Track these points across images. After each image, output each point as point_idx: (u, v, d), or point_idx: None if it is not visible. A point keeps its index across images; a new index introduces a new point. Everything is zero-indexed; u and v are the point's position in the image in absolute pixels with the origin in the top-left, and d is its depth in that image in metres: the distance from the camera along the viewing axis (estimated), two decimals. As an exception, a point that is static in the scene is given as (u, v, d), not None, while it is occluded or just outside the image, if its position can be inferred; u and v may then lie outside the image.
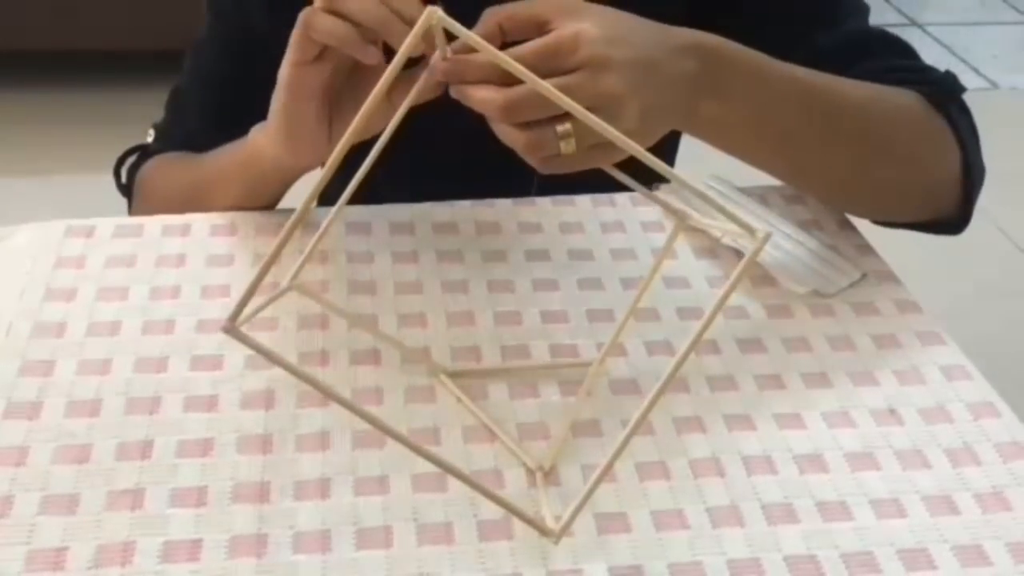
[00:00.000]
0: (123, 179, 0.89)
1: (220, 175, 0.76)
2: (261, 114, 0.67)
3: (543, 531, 0.50)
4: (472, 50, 0.52)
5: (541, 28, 0.58)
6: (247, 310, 0.44)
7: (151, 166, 0.87)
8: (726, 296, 0.47)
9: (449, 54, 0.57)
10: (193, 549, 0.51)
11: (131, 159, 0.89)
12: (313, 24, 0.60)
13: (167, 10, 2.20)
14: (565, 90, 0.49)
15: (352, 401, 0.48)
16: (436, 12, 0.45)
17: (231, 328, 0.44)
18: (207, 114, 0.86)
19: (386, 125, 0.57)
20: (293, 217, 0.45)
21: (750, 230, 0.48)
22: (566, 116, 0.55)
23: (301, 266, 0.64)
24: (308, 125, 0.64)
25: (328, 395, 0.48)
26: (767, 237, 0.48)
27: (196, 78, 0.88)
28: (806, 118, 0.67)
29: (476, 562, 0.51)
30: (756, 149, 0.67)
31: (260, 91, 0.65)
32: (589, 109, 0.48)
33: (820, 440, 0.59)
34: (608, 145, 0.56)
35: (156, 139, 0.89)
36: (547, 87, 0.48)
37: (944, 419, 0.60)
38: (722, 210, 0.49)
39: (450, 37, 0.55)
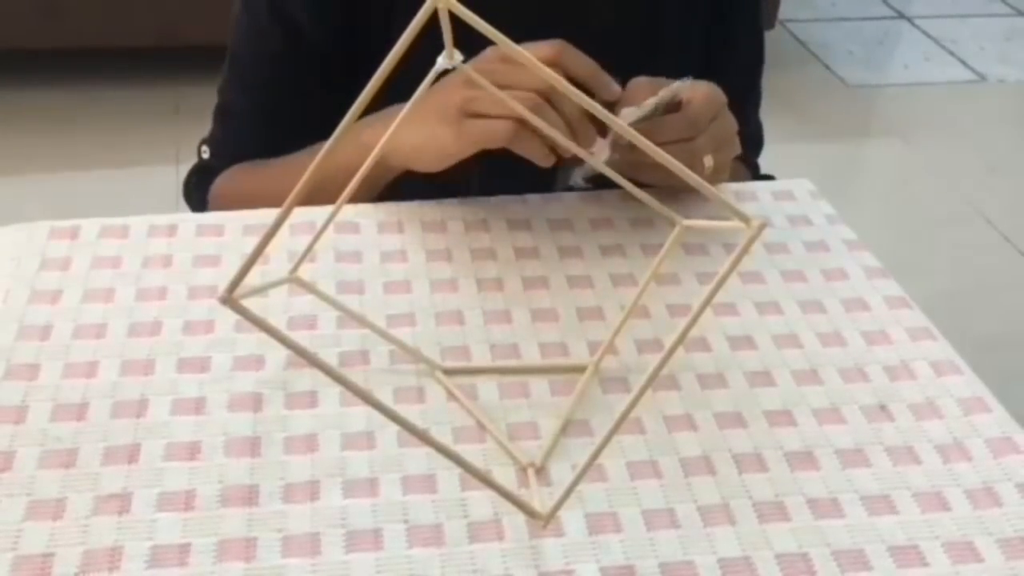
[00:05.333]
0: (194, 200, 0.91)
1: (335, 176, 0.77)
2: (313, 110, 0.72)
3: (532, 514, 0.50)
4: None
5: None
6: (242, 289, 0.43)
7: (228, 179, 0.88)
8: (721, 280, 0.47)
9: (457, 56, 0.54)
10: (181, 554, 0.50)
11: (194, 180, 0.91)
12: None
13: (155, 9, 2.19)
14: None
15: (362, 388, 0.47)
16: None
17: (228, 299, 0.43)
18: (259, 120, 0.87)
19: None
20: (286, 204, 0.44)
21: (746, 220, 0.48)
22: None
23: (302, 259, 0.64)
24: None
25: (340, 381, 0.46)
26: (762, 227, 0.47)
27: (239, 85, 0.88)
28: None
29: (467, 563, 0.51)
30: None
31: (310, 91, 0.67)
32: None
33: (810, 437, 0.58)
34: None
35: (214, 155, 0.90)
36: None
37: (935, 415, 0.60)
38: (722, 202, 0.48)
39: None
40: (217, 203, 0.89)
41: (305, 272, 0.66)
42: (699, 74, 0.73)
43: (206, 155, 0.90)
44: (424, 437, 0.48)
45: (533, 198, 0.78)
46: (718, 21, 0.89)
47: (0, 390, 0.59)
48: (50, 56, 2.29)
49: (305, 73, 0.83)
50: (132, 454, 0.55)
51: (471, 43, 0.52)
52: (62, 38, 2.21)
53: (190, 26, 2.17)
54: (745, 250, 0.47)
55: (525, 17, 0.66)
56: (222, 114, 0.90)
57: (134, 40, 2.24)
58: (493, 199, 0.77)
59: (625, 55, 0.73)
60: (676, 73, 0.72)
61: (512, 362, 0.63)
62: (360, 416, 0.58)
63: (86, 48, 2.25)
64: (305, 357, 0.46)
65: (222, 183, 0.89)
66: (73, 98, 2.25)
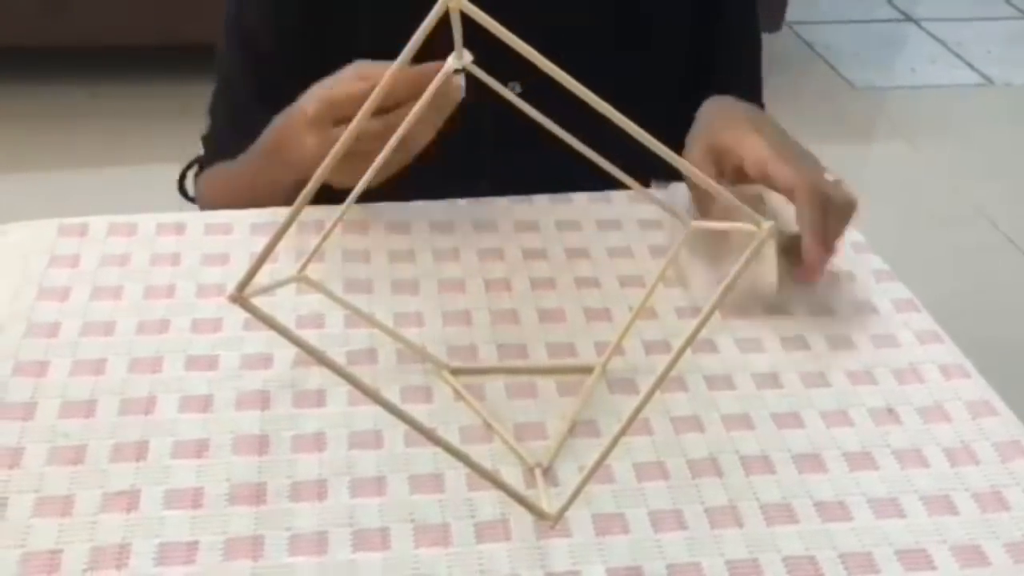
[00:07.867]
0: (190, 193, 0.93)
1: (266, 186, 0.79)
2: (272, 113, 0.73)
3: (540, 514, 0.50)
4: None
5: None
6: (251, 288, 0.43)
7: (204, 179, 0.91)
8: (731, 283, 0.47)
9: (467, 56, 0.54)
10: (189, 551, 0.50)
11: (191, 172, 0.93)
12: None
13: (158, 8, 2.19)
14: None
15: (371, 387, 0.47)
16: None
17: (239, 298, 0.43)
18: (230, 120, 0.89)
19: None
20: (296, 204, 0.44)
21: (756, 223, 0.47)
22: None
23: (310, 258, 0.64)
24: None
25: (350, 380, 0.46)
26: (772, 229, 0.47)
27: (219, 86, 0.90)
28: None
29: (474, 563, 0.51)
30: None
31: (268, 96, 0.67)
32: None
33: (818, 440, 0.58)
34: None
35: (205, 151, 0.92)
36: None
37: (942, 418, 0.60)
38: (732, 204, 0.48)
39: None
40: (200, 198, 0.92)
41: (313, 271, 0.66)
42: (691, 73, 0.71)
43: (201, 151, 0.93)
44: (431, 436, 0.48)
45: (541, 199, 0.78)
46: (709, 20, 0.86)
47: (9, 387, 0.59)
48: (54, 54, 2.29)
49: (263, 77, 0.84)
50: (140, 451, 0.55)
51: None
52: (66, 36, 2.21)
53: (193, 25, 2.17)
54: (755, 252, 0.47)
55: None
56: (209, 112, 0.92)
57: (138, 38, 2.25)
58: (501, 200, 0.77)
59: (600, 55, 0.72)
60: (660, 71, 0.69)
61: (519, 362, 0.63)
62: (368, 415, 0.58)
63: (90, 46, 2.25)
64: (313, 356, 0.46)
65: (202, 180, 0.92)
66: (77, 96, 2.25)
